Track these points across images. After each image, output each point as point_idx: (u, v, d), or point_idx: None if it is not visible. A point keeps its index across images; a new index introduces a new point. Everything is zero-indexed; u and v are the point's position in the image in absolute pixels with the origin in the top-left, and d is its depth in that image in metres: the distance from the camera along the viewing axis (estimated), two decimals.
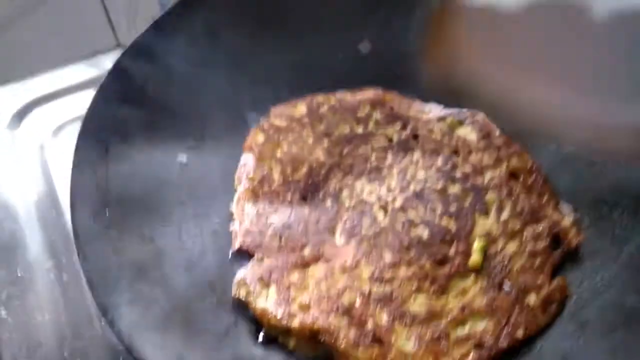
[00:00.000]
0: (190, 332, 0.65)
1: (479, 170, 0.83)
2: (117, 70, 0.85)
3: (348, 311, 0.68)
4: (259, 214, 0.78)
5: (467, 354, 0.64)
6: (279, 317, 0.67)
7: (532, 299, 0.69)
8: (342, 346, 0.65)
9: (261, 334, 0.68)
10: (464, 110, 0.90)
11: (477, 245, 0.74)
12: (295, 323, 0.66)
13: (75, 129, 1.01)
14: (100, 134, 0.79)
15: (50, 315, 0.77)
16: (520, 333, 0.66)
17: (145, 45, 0.87)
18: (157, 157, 0.81)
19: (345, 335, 0.65)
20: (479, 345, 0.65)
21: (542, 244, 0.74)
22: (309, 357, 0.66)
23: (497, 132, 0.87)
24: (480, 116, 0.89)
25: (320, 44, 0.97)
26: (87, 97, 1.07)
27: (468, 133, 0.88)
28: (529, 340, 0.66)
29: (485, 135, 0.87)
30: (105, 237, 0.70)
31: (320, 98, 0.93)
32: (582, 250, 0.73)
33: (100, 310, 0.63)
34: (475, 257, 0.72)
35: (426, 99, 0.93)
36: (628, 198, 0.74)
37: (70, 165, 0.74)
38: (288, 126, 0.89)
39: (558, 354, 0.64)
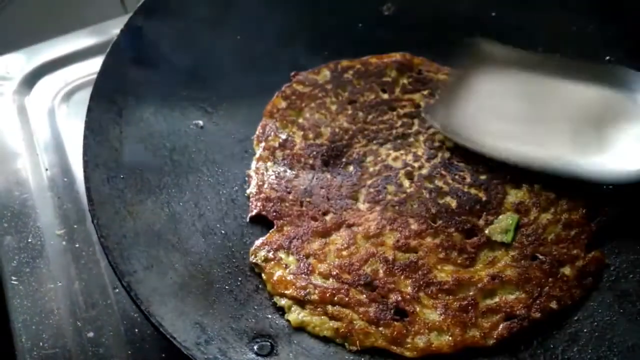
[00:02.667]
0: (209, 299, 0.66)
1: None
2: (130, 29, 0.84)
3: (370, 282, 0.68)
4: (278, 178, 0.78)
5: (496, 325, 0.64)
6: (297, 286, 0.67)
7: (567, 270, 0.69)
8: (359, 327, 0.64)
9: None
10: None
11: (509, 221, 0.73)
12: (314, 295, 0.66)
13: (85, 95, 1.02)
14: (113, 95, 0.79)
15: (62, 283, 0.78)
16: (554, 304, 0.65)
17: (159, 3, 0.86)
18: (172, 120, 0.82)
19: (364, 313, 0.65)
20: (510, 316, 0.64)
21: (578, 215, 0.73)
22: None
23: None
24: None
25: (340, 5, 0.96)
26: (96, 64, 1.09)
27: None
28: (565, 312, 0.65)
29: None
30: (119, 202, 0.70)
31: (344, 63, 0.92)
32: (620, 221, 0.72)
33: (116, 275, 0.63)
34: (508, 237, 0.71)
35: (454, 63, 0.91)
36: None
37: (82, 129, 0.74)
38: (311, 93, 0.89)
39: (596, 325, 0.64)
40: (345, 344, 0.64)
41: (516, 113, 0.80)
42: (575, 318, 0.65)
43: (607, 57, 0.85)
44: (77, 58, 1.10)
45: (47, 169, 0.91)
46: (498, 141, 0.77)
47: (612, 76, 0.77)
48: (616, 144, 0.73)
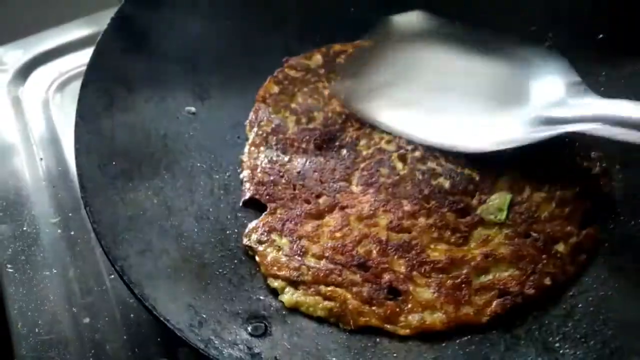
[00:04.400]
0: (202, 282, 0.65)
1: None
2: (120, 19, 0.84)
3: (364, 263, 0.67)
4: (271, 162, 0.77)
5: (490, 301, 0.64)
6: (290, 267, 0.66)
7: (560, 247, 0.68)
8: (352, 306, 0.64)
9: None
10: None
11: (503, 200, 0.72)
12: (308, 276, 0.66)
13: (79, 85, 1.02)
14: (104, 84, 0.79)
15: (57, 270, 0.78)
16: (547, 281, 0.65)
17: None
18: (164, 107, 0.81)
19: (357, 293, 0.65)
20: (503, 293, 0.64)
21: (571, 193, 0.73)
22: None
23: None
24: None
25: None
26: (90, 54, 1.08)
27: None
28: (560, 288, 0.65)
29: None
30: (112, 188, 0.70)
31: (337, 47, 0.92)
32: (614, 197, 0.71)
33: (109, 260, 0.63)
34: (501, 216, 0.71)
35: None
36: None
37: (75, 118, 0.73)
38: (303, 77, 0.88)
39: (591, 300, 0.63)
40: (339, 323, 0.64)
41: (417, 84, 0.82)
42: (570, 294, 0.64)
43: (600, 36, 0.85)
44: (71, 49, 1.10)
45: (41, 159, 0.91)
46: (392, 111, 0.80)
47: (522, 55, 0.79)
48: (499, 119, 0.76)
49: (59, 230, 0.82)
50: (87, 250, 0.79)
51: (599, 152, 0.76)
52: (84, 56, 1.05)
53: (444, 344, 0.62)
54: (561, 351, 0.60)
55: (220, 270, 0.67)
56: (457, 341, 0.62)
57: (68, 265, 0.78)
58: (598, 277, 0.65)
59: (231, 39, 0.90)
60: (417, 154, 0.79)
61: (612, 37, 0.84)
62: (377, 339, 0.62)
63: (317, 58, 0.90)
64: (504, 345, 0.61)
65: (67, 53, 1.08)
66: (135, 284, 0.61)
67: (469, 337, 0.62)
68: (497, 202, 0.72)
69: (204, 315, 0.62)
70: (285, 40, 0.91)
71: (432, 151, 0.78)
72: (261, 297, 0.66)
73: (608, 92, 0.81)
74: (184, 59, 0.86)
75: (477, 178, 0.75)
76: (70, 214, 0.84)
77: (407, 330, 0.62)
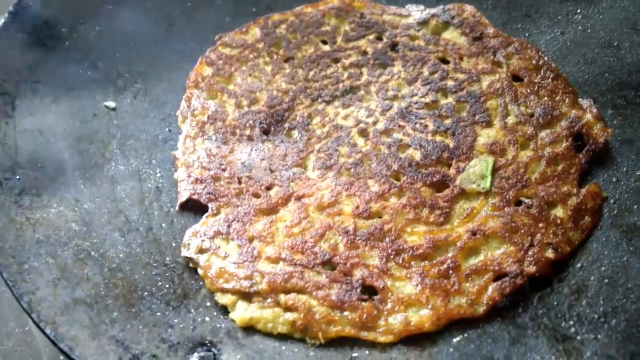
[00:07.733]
0: (133, 310, 0.53)
1: (475, 77, 0.69)
2: (21, 8, 0.72)
3: (329, 260, 0.55)
4: (211, 155, 0.64)
5: (485, 287, 0.51)
6: (241, 277, 0.53)
7: (559, 212, 0.56)
8: (320, 315, 0.51)
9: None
10: (449, 6, 0.75)
11: (484, 165, 0.60)
12: (263, 285, 0.53)
13: None
14: (3, 84, 0.67)
15: None
16: (550, 254, 0.53)
17: None
18: (78, 105, 0.68)
19: (324, 297, 0.52)
20: (500, 275, 0.52)
21: (563, 147, 0.61)
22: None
23: (491, 30, 0.73)
24: (469, 10, 0.75)
25: None
26: None
27: (457, 37, 0.74)
28: (567, 261, 0.53)
29: (478, 37, 0.73)
30: (16, 207, 0.58)
31: (276, 17, 0.79)
32: (611, 145, 0.60)
33: (14, 295, 0.51)
34: (485, 183, 0.59)
35: (402, 2, 0.79)
36: None
37: None
38: (241, 55, 0.75)
39: (605, 270, 0.52)
40: (306, 339, 0.51)
41: None
42: (579, 266, 0.53)
43: None
44: None
45: None
46: None
47: None
48: None
49: None
50: (3, 287, 0.65)
51: (588, 94, 0.65)
52: None
53: (435, 349, 0.49)
54: (579, 337, 0.48)
55: (155, 292, 0.54)
56: (452, 342, 0.50)
57: None
58: (609, 241, 0.54)
59: (154, 22, 0.77)
60: (380, 126, 0.66)
61: None
62: (354, 353, 0.50)
63: (255, 32, 0.78)
64: (509, 338, 0.49)
65: None
66: (47, 322, 0.50)
67: (466, 334, 0.50)
68: (477, 168, 0.60)
69: (136, 352, 0.49)
70: (217, 15, 0.79)
71: (397, 120, 0.66)
72: (207, 319, 0.52)
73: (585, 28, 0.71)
74: (98, 48, 0.73)
75: (452, 144, 0.63)
76: None
77: (390, 337, 0.50)
